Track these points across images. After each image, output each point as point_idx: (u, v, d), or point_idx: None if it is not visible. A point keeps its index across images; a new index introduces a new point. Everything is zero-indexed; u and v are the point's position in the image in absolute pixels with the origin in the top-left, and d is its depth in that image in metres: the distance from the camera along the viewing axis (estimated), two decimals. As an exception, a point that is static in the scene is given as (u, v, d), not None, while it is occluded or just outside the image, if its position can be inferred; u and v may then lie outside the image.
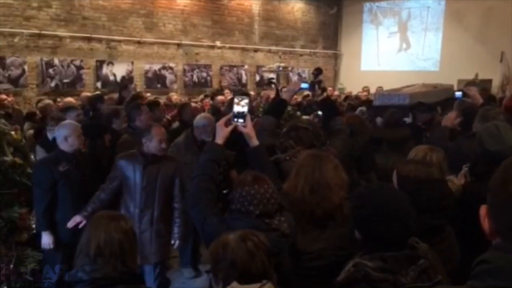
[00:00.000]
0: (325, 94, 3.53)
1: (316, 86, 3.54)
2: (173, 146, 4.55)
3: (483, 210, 1.07)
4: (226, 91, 9.37)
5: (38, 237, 3.73)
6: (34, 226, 3.70)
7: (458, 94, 4.57)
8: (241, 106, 2.25)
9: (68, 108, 5.10)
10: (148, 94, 8.40)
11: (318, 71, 3.73)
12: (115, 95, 7.24)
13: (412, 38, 14.29)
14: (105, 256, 1.83)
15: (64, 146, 3.73)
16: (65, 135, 3.72)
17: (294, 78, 13.52)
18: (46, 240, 3.61)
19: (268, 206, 2.02)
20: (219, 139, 2.26)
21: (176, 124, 5.93)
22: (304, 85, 3.46)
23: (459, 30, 12.86)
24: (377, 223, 1.62)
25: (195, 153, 4.35)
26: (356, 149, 3.77)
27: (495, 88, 11.40)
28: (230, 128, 2.26)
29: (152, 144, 3.59)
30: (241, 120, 2.25)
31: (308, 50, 14.52)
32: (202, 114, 4.84)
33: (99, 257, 1.83)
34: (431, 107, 5.47)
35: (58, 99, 7.93)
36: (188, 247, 4.69)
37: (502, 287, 0.96)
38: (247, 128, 2.29)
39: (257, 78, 13.00)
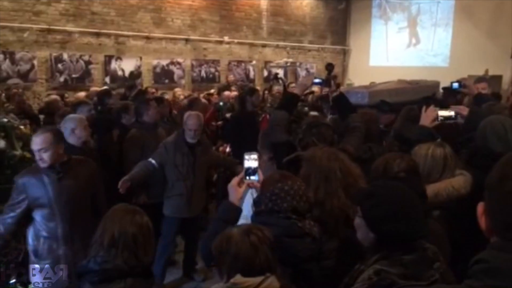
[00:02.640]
0: (339, 90, 3.49)
1: (332, 82, 3.51)
2: (161, 146, 4.25)
3: (480, 207, 1.07)
4: (233, 88, 9.35)
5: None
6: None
7: (455, 85, 4.47)
8: (252, 161, 2.15)
9: (79, 103, 5.08)
10: (153, 90, 8.39)
11: (331, 66, 3.70)
12: (122, 90, 7.30)
13: (421, 34, 14.17)
14: (118, 248, 1.85)
15: (72, 139, 3.74)
16: (72, 127, 3.74)
17: (302, 73, 13.50)
18: None
19: (300, 203, 1.98)
20: (235, 201, 2.12)
21: None
22: (317, 80, 3.42)
23: (469, 25, 12.73)
24: (397, 220, 1.58)
25: (186, 154, 4.19)
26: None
27: (505, 84, 11.29)
28: (243, 187, 2.14)
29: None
30: (253, 177, 2.14)
31: (316, 46, 14.46)
32: (191, 112, 4.40)
33: (112, 248, 1.85)
34: (396, 107, 4.68)
35: (66, 95, 7.98)
36: (160, 262, 4.23)
37: (500, 286, 0.95)
38: (260, 182, 2.18)
39: (265, 73, 12.98)
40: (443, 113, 3.11)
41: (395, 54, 14.51)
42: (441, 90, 6.05)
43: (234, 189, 2.12)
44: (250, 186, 2.14)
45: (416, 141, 3.08)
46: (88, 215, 3.19)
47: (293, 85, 8.00)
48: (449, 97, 5.30)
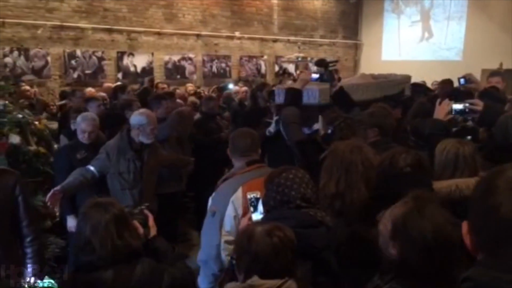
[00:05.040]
0: (338, 85, 3.50)
1: (336, 76, 3.51)
2: (102, 151, 3.67)
3: (464, 226, 1.03)
4: (240, 84, 9.33)
5: (61, 224, 3.84)
6: (57, 213, 3.82)
7: (462, 80, 4.38)
8: (255, 198, 2.13)
9: (89, 99, 5.25)
10: (164, 85, 8.46)
11: (324, 61, 3.70)
12: (136, 86, 7.38)
13: (434, 27, 14.01)
14: (94, 244, 1.86)
15: (81, 137, 3.85)
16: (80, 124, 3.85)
17: (314, 68, 13.43)
18: (72, 223, 3.66)
19: (308, 190, 1.96)
20: None
21: (197, 116, 5.94)
22: (315, 76, 3.48)
23: (483, 18, 12.56)
24: None
25: (131, 159, 3.66)
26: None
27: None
28: None
29: None
30: (260, 215, 2.13)
31: (327, 40, 14.38)
32: (140, 110, 3.92)
33: (88, 246, 1.87)
34: (352, 107, 4.01)
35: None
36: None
37: None
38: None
39: (276, 68, 12.96)
40: (457, 106, 3.09)
41: (407, 48, 14.37)
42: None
43: None
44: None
45: (429, 134, 3.06)
46: (3, 236, 2.64)
47: (298, 79, 7.95)
48: (419, 94, 5.05)
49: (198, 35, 11.37)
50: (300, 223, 1.86)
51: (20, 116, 3.75)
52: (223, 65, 11.86)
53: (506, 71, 9.89)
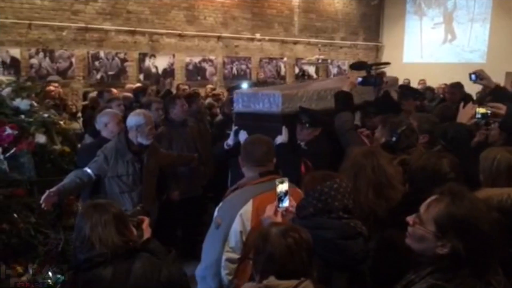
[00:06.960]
0: (383, 90, 3.41)
1: (385, 79, 3.43)
2: (100, 153, 3.56)
3: None
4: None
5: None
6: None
7: (473, 77, 4.27)
8: (283, 187, 2.02)
9: (110, 99, 5.46)
10: (185, 87, 8.54)
11: (365, 63, 3.61)
12: (154, 87, 7.49)
13: (457, 29, 13.80)
14: (93, 242, 1.90)
15: (105, 133, 3.92)
16: (105, 122, 3.92)
17: (334, 70, 13.40)
18: None
19: (350, 201, 1.92)
20: None
21: (219, 117, 5.98)
22: (360, 80, 3.40)
23: (508, 20, 12.32)
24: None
25: (130, 162, 3.57)
26: None
27: (545, 82, 10.88)
28: (279, 216, 1.99)
29: None
30: (285, 204, 2.00)
31: (348, 42, 14.30)
32: (136, 111, 3.82)
33: (87, 243, 1.92)
34: (323, 117, 3.38)
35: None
36: None
37: None
38: (291, 207, 2.05)
39: (296, 70, 12.95)
40: (481, 110, 3.03)
41: (429, 50, 14.19)
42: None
43: (271, 220, 1.98)
44: (283, 214, 2.00)
45: (451, 138, 3.00)
46: None
47: (347, 82, 7.79)
48: (407, 97, 4.75)
49: (219, 37, 11.45)
50: (340, 234, 1.82)
51: (45, 116, 3.84)
52: (244, 67, 11.92)
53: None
